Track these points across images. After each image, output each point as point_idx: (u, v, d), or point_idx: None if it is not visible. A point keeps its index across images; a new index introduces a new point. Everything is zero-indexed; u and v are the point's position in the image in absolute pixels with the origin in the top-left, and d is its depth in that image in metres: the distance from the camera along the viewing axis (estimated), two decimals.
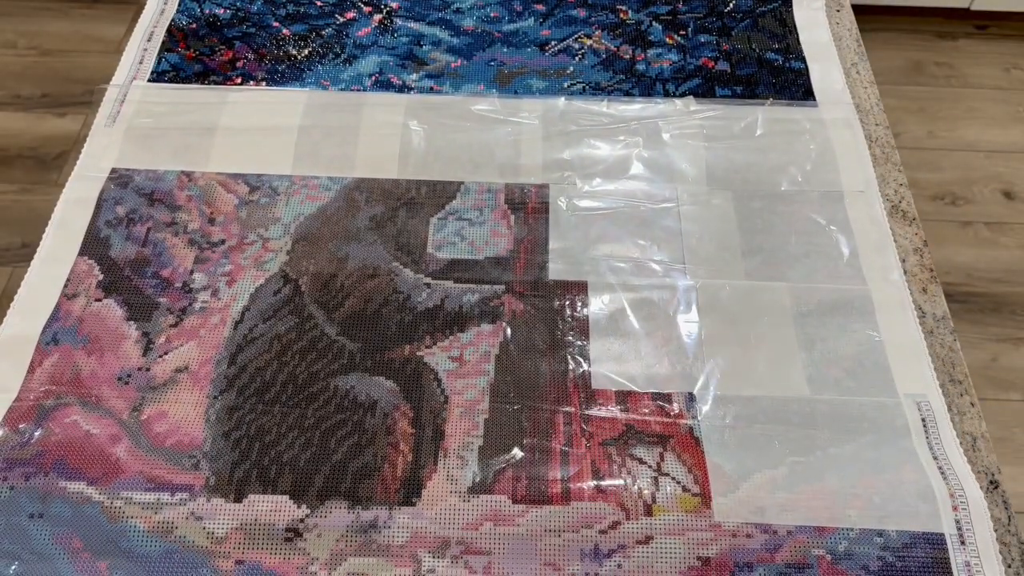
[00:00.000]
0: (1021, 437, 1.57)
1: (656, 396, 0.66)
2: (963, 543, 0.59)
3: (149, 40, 0.91)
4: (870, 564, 0.59)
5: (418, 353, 0.69)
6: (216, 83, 0.87)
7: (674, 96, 0.87)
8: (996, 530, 0.61)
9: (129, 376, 0.67)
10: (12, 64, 2.00)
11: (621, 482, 0.62)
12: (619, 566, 0.59)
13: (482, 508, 0.61)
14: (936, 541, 0.60)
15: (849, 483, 0.62)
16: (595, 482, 0.62)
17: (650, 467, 0.63)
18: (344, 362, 0.68)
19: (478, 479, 0.62)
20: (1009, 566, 0.60)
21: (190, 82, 0.87)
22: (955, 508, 0.61)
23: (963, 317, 1.65)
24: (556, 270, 0.74)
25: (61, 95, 1.94)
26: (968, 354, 0.72)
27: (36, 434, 0.64)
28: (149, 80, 0.87)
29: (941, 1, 2.03)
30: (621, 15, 0.94)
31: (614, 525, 0.60)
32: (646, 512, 0.60)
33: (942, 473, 0.63)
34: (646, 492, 0.61)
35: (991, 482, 0.64)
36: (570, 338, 0.70)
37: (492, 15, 0.94)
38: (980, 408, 0.68)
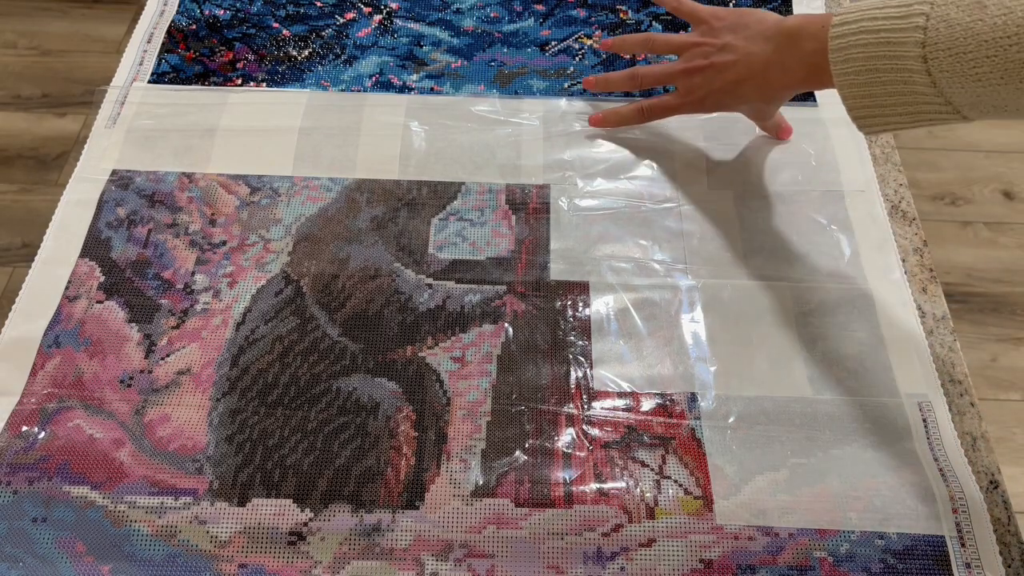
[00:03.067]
0: (1021, 437, 1.57)
1: (658, 397, 0.67)
2: (963, 545, 0.59)
3: (149, 41, 0.91)
4: (872, 566, 0.59)
5: (420, 354, 0.69)
6: (216, 84, 0.87)
7: None
8: (996, 530, 0.61)
9: (131, 379, 0.67)
10: (12, 64, 2.00)
11: (623, 485, 0.62)
12: (622, 569, 0.59)
13: (485, 511, 0.61)
14: (936, 543, 0.60)
15: (850, 485, 0.62)
16: (597, 485, 0.62)
17: (652, 470, 0.63)
18: (346, 363, 0.68)
19: (481, 482, 0.62)
20: (1009, 566, 0.60)
21: (190, 83, 0.87)
22: (955, 511, 0.61)
23: (963, 317, 1.65)
24: (557, 270, 0.74)
25: (61, 95, 1.94)
26: (968, 354, 0.72)
27: (39, 438, 0.64)
28: (149, 81, 0.87)
29: None
30: (621, 15, 0.94)
31: (617, 528, 0.60)
32: (648, 515, 0.61)
33: (942, 475, 0.63)
34: (648, 495, 0.61)
35: (991, 482, 0.64)
36: (572, 338, 0.70)
37: (492, 15, 0.94)
38: (980, 408, 0.68)
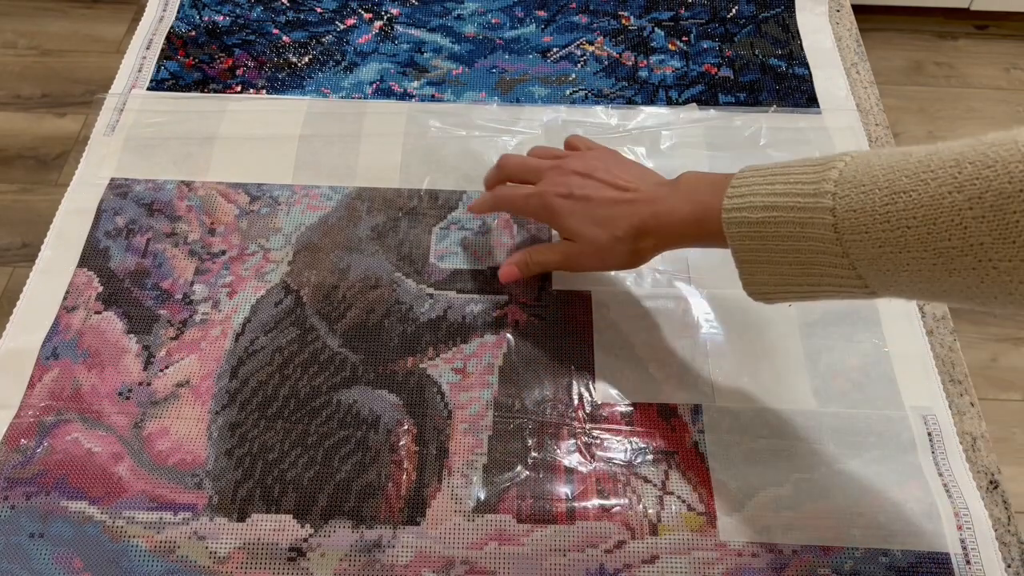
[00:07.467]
0: (1021, 437, 1.57)
1: (661, 409, 0.66)
2: (968, 562, 0.59)
3: (148, 48, 0.90)
4: None
5: (421, 365, 0.68)
6: (216, 91, 0.86)
7: (677, 103, 0.86)
8: (996, 529, 0.61)
9: (130, 391, 0.67)
10: (12, 64, 1.99)
11: (626, 501, 0.61)
12: None
13: (486, 527, 0.60)
14: (941, 560, 0.59)
15: (854, 501, 0.62)
16: (600, 501, 0.61)
17: (655, 485, 0.62)
18: (346, 374, 0.68)
19: (482, 498, 0.62)
20: (1009, 566, 0.60)
21: (189, 90, 0.87)
22: (959, 527, 0.60)
23: (963, 317, 1.65)
24: (559, 280, 0.73)
25: (61, 95, 1.93)
26: (968, 354, 0.72)
27: (37, 452, 0.63)
28: (148, 88, 0.87)
29: (941, 1, 2.02)
30: (623, 21, 0.93)
31: (619, 544, 0.60)
32: (651, 531, 0.60)
33: (947, 490, 0.62)
34: (651, 511, 0.61)
35: (991, 482, 0.63)
36: (574, 349, 0.69)
37: (493, 22, 0.94)
38: (980, 408, 0.68)
